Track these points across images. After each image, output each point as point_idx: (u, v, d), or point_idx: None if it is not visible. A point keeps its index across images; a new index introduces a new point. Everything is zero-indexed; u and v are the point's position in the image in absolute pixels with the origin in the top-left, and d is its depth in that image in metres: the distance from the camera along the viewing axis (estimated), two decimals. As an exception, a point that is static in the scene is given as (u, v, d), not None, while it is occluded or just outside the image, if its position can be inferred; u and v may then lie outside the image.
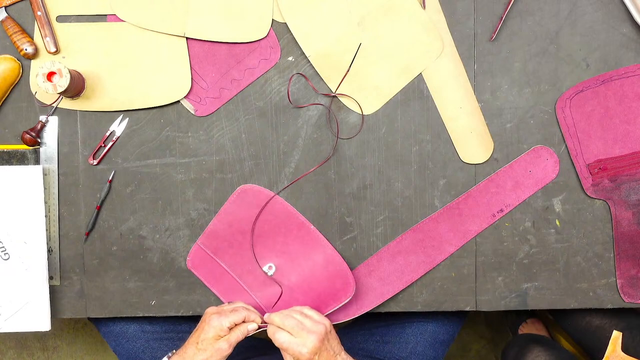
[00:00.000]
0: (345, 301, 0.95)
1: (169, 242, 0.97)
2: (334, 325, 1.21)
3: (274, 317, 0.87)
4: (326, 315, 0.95)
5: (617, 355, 0.85)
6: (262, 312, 0.97)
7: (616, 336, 0.85)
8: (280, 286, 0.96)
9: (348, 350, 1.10)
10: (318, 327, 0.85)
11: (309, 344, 0.84)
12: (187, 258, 0.97)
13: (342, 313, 0.97)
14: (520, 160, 0.95)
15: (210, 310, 0.89)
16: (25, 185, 0.92)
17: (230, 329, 0.87)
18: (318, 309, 0.95)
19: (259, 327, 0.89)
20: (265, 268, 0.96)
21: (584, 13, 0.93)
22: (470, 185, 0.96)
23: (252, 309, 0.92)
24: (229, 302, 0.95)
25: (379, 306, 0.98)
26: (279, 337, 0.85)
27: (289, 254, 0.96)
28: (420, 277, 0.97)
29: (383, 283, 0.97)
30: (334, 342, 0.88)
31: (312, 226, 0.96)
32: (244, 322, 0.89)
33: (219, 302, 0.98)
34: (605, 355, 0.86)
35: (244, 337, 0.88)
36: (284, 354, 0.88)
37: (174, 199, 0.96)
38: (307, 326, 0.85)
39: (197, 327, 0.89)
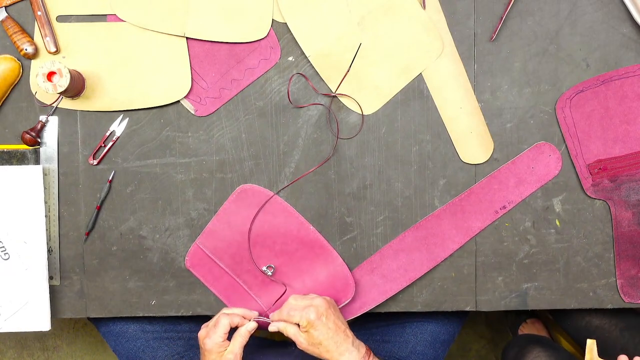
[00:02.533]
0: (345, 302, 0.95)
1: (169, 242, 0.97)
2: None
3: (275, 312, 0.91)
4: None
5: None
6: (263, 312, 0.97)
7: (591, 343, 0.86)
8: (284, 285, 0.96)
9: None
10: (322, 296, 0.90)
11: (315, 303, 0.86)
12: (186, 257, 0.97)
13: (345, 311, 0.97)
14: (523, 156, 0.95)
15: (200, 335, 0.89)
16: (25, 185, 0.92)
17: (228, 334, 0.88)
18: None
19: (258, 323, 0.90)
20: (264, 268, 0.96)
21: (584, 13, 0.93)
22: (470, 185, 0.96)
23: (233, 310, 0.90)
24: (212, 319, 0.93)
25: (378, 306, 0.98)
26: (284, 306, 0.88)
27: (288, 255, 0.96)
28: (422, 275, 0.97)
29: (386, 280, 0.97)
30: (340, 315, 0.90)
31: (312, 227, 0.96)
32: (237, 325, 0.89)
33: (218, 302, 0.98)
34: None
35: (246, 339, 0.88)
36: (287, 329, 0.88)
37: (174, 199, 0.96)
38: (311, 295, 0.90)
39: (201, 356, 0.90)
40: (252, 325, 0.89)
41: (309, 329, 0.85)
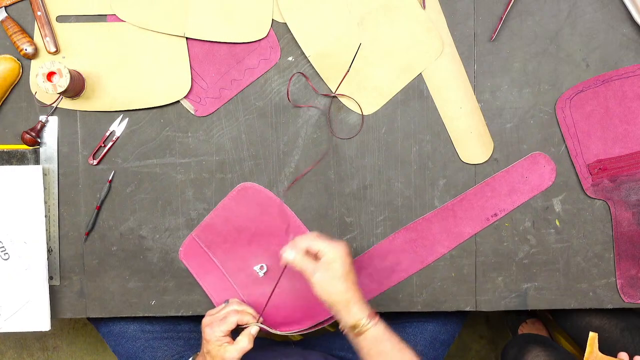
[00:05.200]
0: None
1: (169, 242, 0.97)
2: (329, 326, 1.20)
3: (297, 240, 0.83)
4: (313, 326, 0.95)
5: (595, 356, 0.86)
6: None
7: (592, 337, 0.86)
8: (272, 288, 0.95)
9: (347, 348, 1.10)
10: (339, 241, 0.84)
11: (341, 247, 0.81)
12: (180, 248, 0.96)
13: (327, 312, 0.97)
14: (517, 165, 0.95)
15: (204, 322, 0.89)
16: (25, 185, 0.92)
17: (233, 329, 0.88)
18: (306, 317, 0.95)
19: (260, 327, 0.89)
20: (256, 268, 0.96)
21: (584, 13, 0.93)
22: (470, 185, 0.96)
23: (244, 307, 0.90)
24: (225, 302, 0.93)
25: (378, 306, 0.98)
26: (298, 239, 0.82)
27: None
28: (407, 277, 0.97)
29: (372, 280, 0.97)
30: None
31: (308, 231, 0.95)
32: (245, 324, 0.89)
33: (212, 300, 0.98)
34: (584, 357, 0.87)
35: (250, 343, 0.87)
36: (303, 264, 0.81)
37: (174, 199, 0.96)
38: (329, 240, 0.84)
39: (202, 340, 0.90)
40: (255, 330, 0.88)
41: (332, 263, 0.79)
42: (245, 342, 0.86)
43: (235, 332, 0.88)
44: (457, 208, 0.95)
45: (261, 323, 0.89)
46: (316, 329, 0.97)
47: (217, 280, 0.97)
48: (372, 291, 0.97)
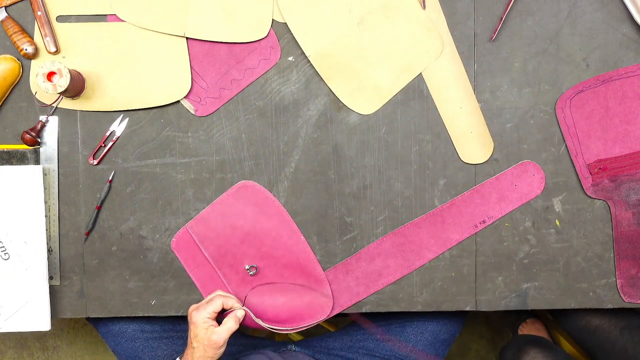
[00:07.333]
0: (321, 320, 0.95)
1: (169, 242, 0.97)
2: (329, 326, 1.20)
3: None
4: (298, 327, 0.95)
5: None
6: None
7: None
8: (260, 289, 0.96)
9: (348, 348, 1.10)
10: None
11: None
12: (173, 239, 0.96)
13: (312, 312, 0.97)
14: (507, 173, 0.95)
15: (190, 309, 0.89)
16: (25, 185, 0.92)
17: (218, 315, 0.88)
18: (291, 320, 0.95)
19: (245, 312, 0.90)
20: (247, 267, 0.96)
21: (584, 13, 0.93)
22: (470, 185, 0.96)
23: (230, 295, 0.91)
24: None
25: (378, 306, 0.98)
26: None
27: (273, 259, 0.96)
28: (397, 280, 0.97)
29: (359, 283, 0.97)
30: None
31: (302, 237, 0.95)
32: (230, 309, 0.89)
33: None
34: None
35: (236, 324, 0.87)
36: None
37: (174, 198, 0.96)
38: None
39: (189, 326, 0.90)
40: (242, 313, 0.89)
41: None
42: (231, 323, 0.87)
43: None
44: (445, 214, 0.96)
45: (243, 308, 0.90)
46: (301, 330, 0.97)
47: (206, 274, 0.97)
48: (358, 294, 0.97)
